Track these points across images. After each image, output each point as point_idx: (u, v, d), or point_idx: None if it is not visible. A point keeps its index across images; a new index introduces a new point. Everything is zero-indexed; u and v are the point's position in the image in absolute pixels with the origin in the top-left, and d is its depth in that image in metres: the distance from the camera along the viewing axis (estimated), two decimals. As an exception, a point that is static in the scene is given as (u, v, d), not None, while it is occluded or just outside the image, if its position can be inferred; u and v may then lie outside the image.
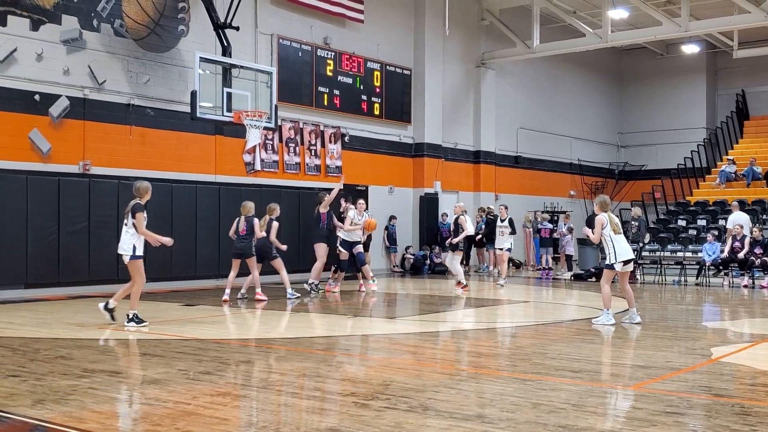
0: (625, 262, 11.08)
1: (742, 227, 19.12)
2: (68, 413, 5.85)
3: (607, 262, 11.21)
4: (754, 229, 19.02)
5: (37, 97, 15.37)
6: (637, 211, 21.68)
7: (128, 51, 16.85)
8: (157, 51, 17.38)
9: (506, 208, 19.06)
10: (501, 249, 18.78)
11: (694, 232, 21.97)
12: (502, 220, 18.76)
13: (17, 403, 6.11)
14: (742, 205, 23.28)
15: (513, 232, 18.86)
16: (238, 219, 14.13)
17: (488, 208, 24.01)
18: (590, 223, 13.03)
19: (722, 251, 19.01)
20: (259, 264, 14.25)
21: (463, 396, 6.44)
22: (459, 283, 16.14)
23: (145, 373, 7.37)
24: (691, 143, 29.63)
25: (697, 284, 18.85)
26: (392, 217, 22.96)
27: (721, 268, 19.07)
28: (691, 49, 31.47)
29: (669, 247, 20.81)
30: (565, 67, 30.42)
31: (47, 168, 15.47)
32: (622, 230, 11.19)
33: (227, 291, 14.05)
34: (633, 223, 21.27)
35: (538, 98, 29.51)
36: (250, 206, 14.16)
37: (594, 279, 19.86)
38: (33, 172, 15.20)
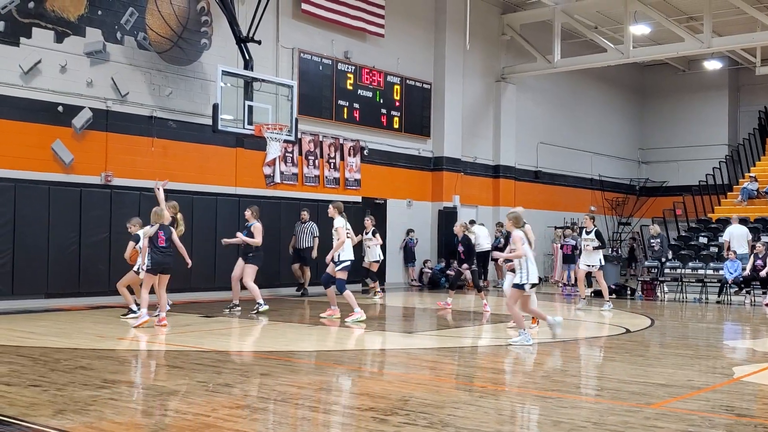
0: (533, 285, 10.44)
1: (765, 245, 18.94)
2: (88, 424, 5.87)
3: (516, 281, 10.38)
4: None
5: (60, 108, 15.51)
6: (656, 228, 21.54)
7: (151, 63, 16.99)
8: (179, 64, 17.51)
9: (593, 219, 16.51)
10: (589, 266, 16.14)
11: (716, 250, 21.79)
12: (587, 233, 16.11)
13: (38, 413, 6.14)
14: (765, 223, 23.13)
15: (602, 246, 16.11)
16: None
17: (507, 222, 23.90)
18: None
19: (744, 269, 18.83)
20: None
21: (482, 413, 6.40)
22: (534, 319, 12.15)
23: (165, 384, 7.39)
24: (712, 160, 29.43)
25: (718, 302, 18.67)
26: (410, 231, 22.96)
27: (742, 286, 18.89)
28: (713, 65, 31.33)
29: (690, 264, 20.64)
30: (586, 82, 30.36)
31: (69, 179, 15.59)
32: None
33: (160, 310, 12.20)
34: (653, 240, 21.14)
35: (558, 113, 29.44)
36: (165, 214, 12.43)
37: (613, 295, 19.75)
38: (55, 183, 15.31)
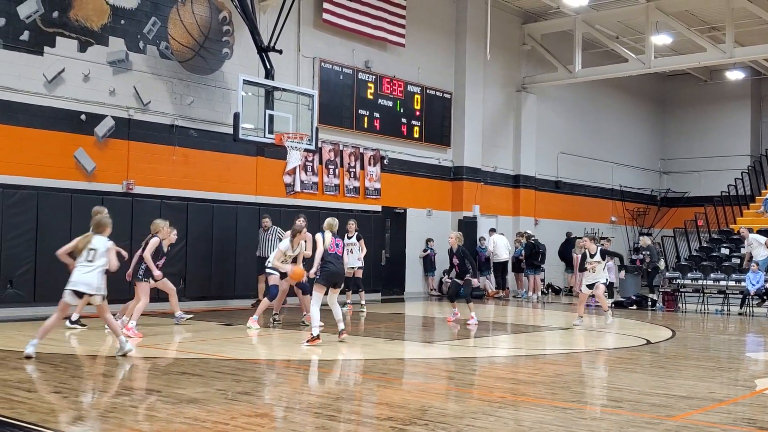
0: (75, 293, 9.38)
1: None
2: (108, 431, 5.90)
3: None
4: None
5: (83, 117, 15.65)
6: (646, 240, 21.82)
7: (173, 73, 17.11)
8: (201, 73, 17.62)
9: (593, 239, 15.22)
10: (593, 282, 14.70)
11: (738, 261, 21.59)
12: (592, 255, 14.70)
13: (58, 420, 6.17)
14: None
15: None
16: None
17: (527, 233, 23.86)
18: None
19: (766, 281, 18.65)
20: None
21: (501, 423, 6.37)
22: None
23: (184, 392, 7.41)
24: (734, 170, 29.20)
25: (740, 314, 18.50)
26: (429, 240, 22.93)
27: (765, 297, 18.71)
28: (735, 75, 31.12)
29: (712, 275, 20.47)
30: (607, 92, 30.24)
31: (91, 187, 15.71)
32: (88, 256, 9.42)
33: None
34: (643, 252, 21.31)
35: (579, 123, 29.34)
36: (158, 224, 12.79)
37: (635, 307, 19.62)
38: (77, 191, 15.44)
